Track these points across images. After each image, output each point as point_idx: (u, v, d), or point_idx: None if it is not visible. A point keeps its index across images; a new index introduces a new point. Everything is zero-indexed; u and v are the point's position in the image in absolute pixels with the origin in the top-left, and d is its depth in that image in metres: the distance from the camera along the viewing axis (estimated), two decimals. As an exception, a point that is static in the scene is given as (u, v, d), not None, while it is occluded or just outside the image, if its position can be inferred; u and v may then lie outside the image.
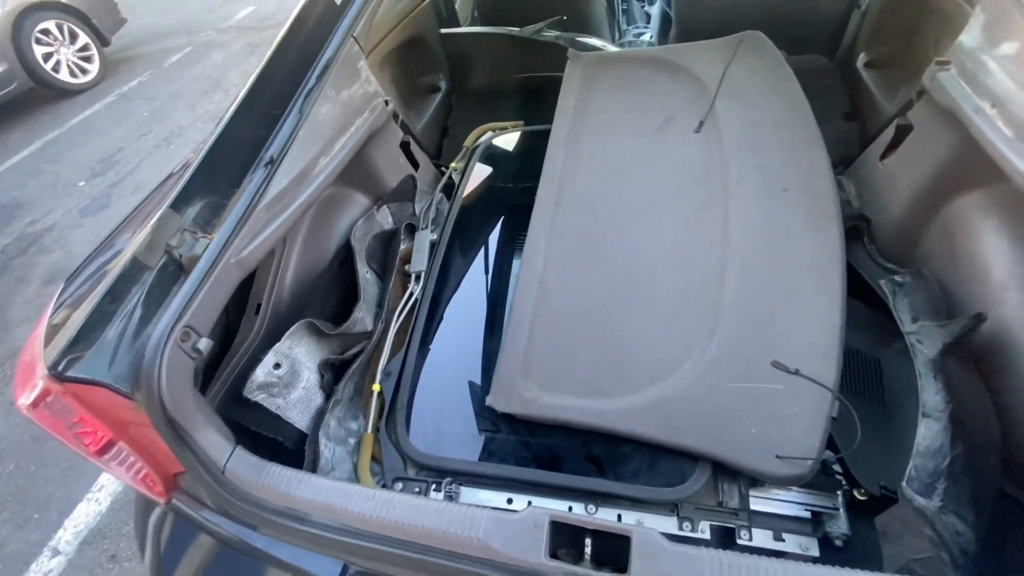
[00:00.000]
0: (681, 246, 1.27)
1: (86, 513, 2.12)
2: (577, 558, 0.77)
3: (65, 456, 2.33)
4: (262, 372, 1.15)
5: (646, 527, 0.73)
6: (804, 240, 1.20)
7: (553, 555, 0.75)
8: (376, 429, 1.23)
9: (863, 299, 1.29)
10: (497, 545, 0.74)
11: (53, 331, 0.86)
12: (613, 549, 0.75)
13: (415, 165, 1.72)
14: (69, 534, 2.07)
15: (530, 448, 1.14)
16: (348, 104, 1.32)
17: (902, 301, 1.09)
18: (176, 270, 0.97)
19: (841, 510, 1.01)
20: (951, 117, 1.08)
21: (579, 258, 1.31)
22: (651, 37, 2.90)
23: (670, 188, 1.39)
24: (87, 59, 5.61)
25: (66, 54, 5.41)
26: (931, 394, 0.92)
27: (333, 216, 1.49)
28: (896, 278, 1.15)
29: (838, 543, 0.99)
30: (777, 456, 0.97)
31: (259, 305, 1.33)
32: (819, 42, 2.13)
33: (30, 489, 2.24)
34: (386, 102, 1.47)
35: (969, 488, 0.83)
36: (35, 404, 0.81)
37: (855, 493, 1.03)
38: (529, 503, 1.06)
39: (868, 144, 1.56)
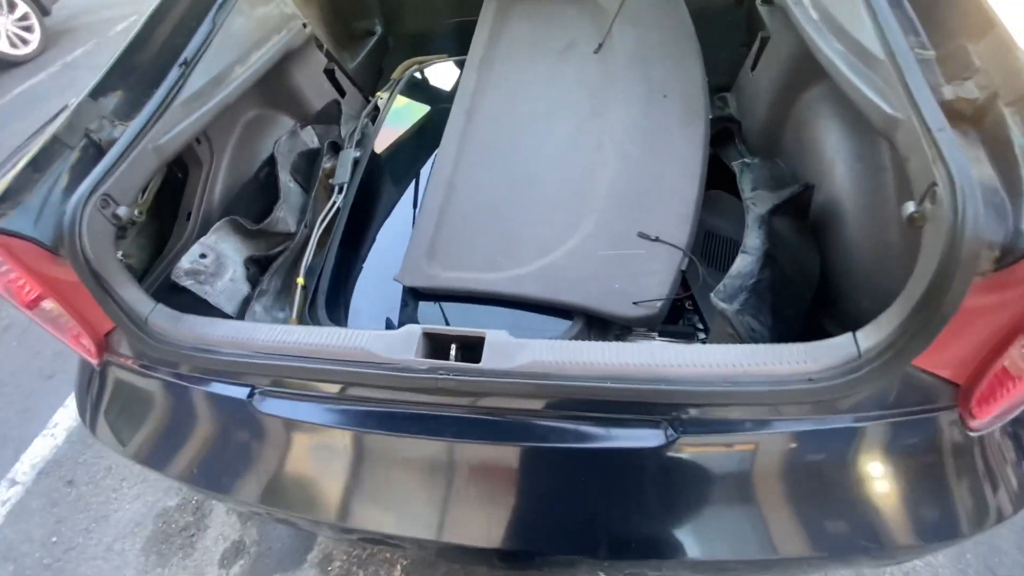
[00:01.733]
0: (572, 146, 1.43)
1: (42, 447, 2.20)
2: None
3: (18, 400, 2.40)
4: (187, 260, 1.27)
5: (499, 331, 0.88)
6: (674, 135, 1.37)
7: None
8: (300, 316, 1.37)
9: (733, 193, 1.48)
10: (377, 351, 0.89)
11: (-19, 197, 0.97)
12: (476, 352, 0.90)
13: (341, 93, 1.83)
14: (26, 466, 2.15)
15: (427, 319, 1.29)
16: (263, 21, 1.42)
17: (746, 177, 1.27)
18: (96, 152, 1.07)
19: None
20: (784, 17, 1.25)
21: (485, 161, 1.46)
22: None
23: (569, 101, 1.54)
24: (27, 29, 5.44)
25: (4, 24, 5.24)
26: (752, 239, 1.10)
27: (259, 135, 1.60)
28: (746, 160, 1.33)
29: None
30: (634, 303, 1.14)
31: (189, 213, 1.44)
32: None
33: (-15, 431, 2.30)
34: (304, 24, 1.57)
35: (770, 302, 1.02)
36: (-33, 253, 0.91)
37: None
38: None
39: (755, 66, 1.74)
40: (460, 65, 1.90)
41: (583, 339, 1.20)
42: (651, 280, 1.16)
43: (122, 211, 1.03)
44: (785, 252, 1.11)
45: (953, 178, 0.67)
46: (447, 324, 1.29)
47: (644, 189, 1.30)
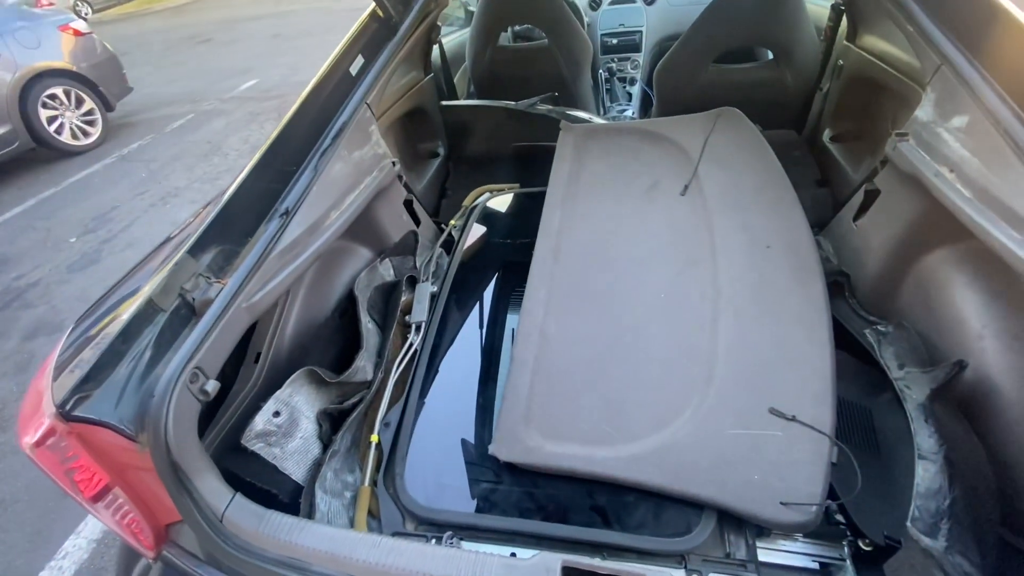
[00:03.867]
0: (674, 298, 1.33)
1: (46, 585, 1.96)
2: (588, 606, 0.75)
3: (30, 521, 2.19)
4: (261, 420, 1.14)
5: (659, 570, 0.72)
6: (790, 293, 1.27)
7: (564, 603, 0.73)
8: (373, 482, 1.21)
9: (848, 351, 1.35)
10: (507, 591, 0.73)
11: (61, 369, 0.86)
12: (625, 595, 0.74)
13: (416, 222, 1.80)
14: (24, 610, 1.90)
15: (532, 499, 1.12)
16: (359, 164, 1.40)
17: (887, 349, 1.15)
18: (188, 313, 0.98)
19: (848, 561, 1.01)
20: (914, 181, 1.20)
21: (578, 309, 1.36)
22: (633, 113, 3.14)
23: (661, 245, 1.47)
24: (90, 123, 5.79)
25: (70, 118, 5.59)
26: (924, 437, 0.95)
27: (336, 268, 1.53)
28: (880, 328, 1.21)
29: None
30: (782, 503, 0.97)
31: (259, 354, 1.33)
32: (787, 118, 2.33)
33: (-14, 558, 2.07)
34: (393, 163, 1.56)
35: (971, 529, 0.85)
36: (39, 443, 0.79)
37: (860, 543, 1.03)
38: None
39: (840, 207, 1.69)
40: (534, 197, 1.88)
41: (713, 542, 1.02)
42: (797, 473, 1.00)
43: (210, 386, 0.92)
44: (959, 452, 0.96)
45: None
46: (542, 503, 1.12)
47: (767, 356, 1.17)
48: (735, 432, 1.07)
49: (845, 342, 1.36)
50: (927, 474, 0.90)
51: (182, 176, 4.99)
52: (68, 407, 0.80)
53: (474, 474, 1.17)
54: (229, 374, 1.34)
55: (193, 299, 0.99)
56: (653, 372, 1.21)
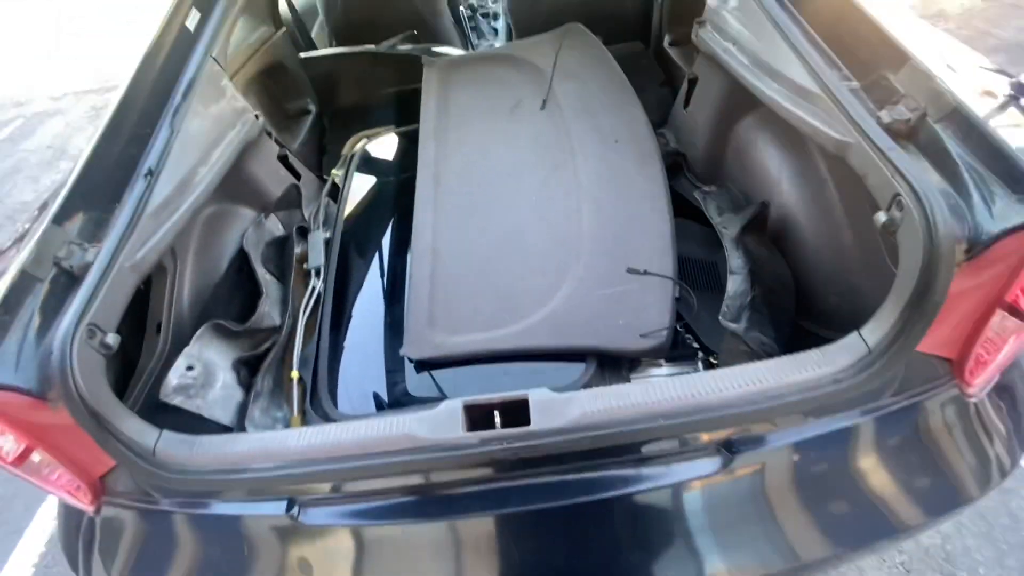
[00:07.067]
0: (543, 199, 1.50)
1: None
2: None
3: None
4: (175, 375, 1.18)
5: (539, 389, 0.90)
6: (636, 176, 1.49)
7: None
8: (303, 411, 1.30)
9: (698, 220, 1.61)
10: (423, 434, 0.88)
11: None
12: (520, 415, 0.91)
13: (297, 176, 1.82)
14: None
15: (444, 387, 1.28)
16: (218, 119, 1.40)
17: (711, 204, 1.39)
18: (68, 280, 1.00)
19: (701, 366, 1.27)
20: (713, 61, 1.42)
21: (462, 223, 1.50)
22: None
23: (528, 156, 1.63)
24: None
25: None
26: (735, 260, 1.21)
27: (222, 230, 1.54)
28: (705, 189, 1.46)
29: None
30: (641, 335, 1.20)
31: (159, 324, 1.35)
32: (634, 30, 2.54)
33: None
34: (256, 116, 1.56)
35: (768, 316, 1.12)
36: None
37: (711, 360, 1.30)
38: None
39: (679, 102, 1.93)
40: (408, 135, 1.95)
41: (598, 379, 1.24)
42: (651, 312, 1.23)
43: (110, 339, 0.96)
44: (762, 266, 1.22)
45: (915, 188, 0.79)
46: (457, 392, 1.29)
47: (621, 228, 1.38)
48: (602, 292, 1.28)
49: (690, 211, 1.61)
50: (734, 283, 1.15)
51: (27, 189, 4.44)
52: (-38, 378, 0.81)
53: (391, 378, 1.31)
54: (131, 350, 1.35)
55: (71, 266, 1.00)
56: (534, 261, 1.38)
